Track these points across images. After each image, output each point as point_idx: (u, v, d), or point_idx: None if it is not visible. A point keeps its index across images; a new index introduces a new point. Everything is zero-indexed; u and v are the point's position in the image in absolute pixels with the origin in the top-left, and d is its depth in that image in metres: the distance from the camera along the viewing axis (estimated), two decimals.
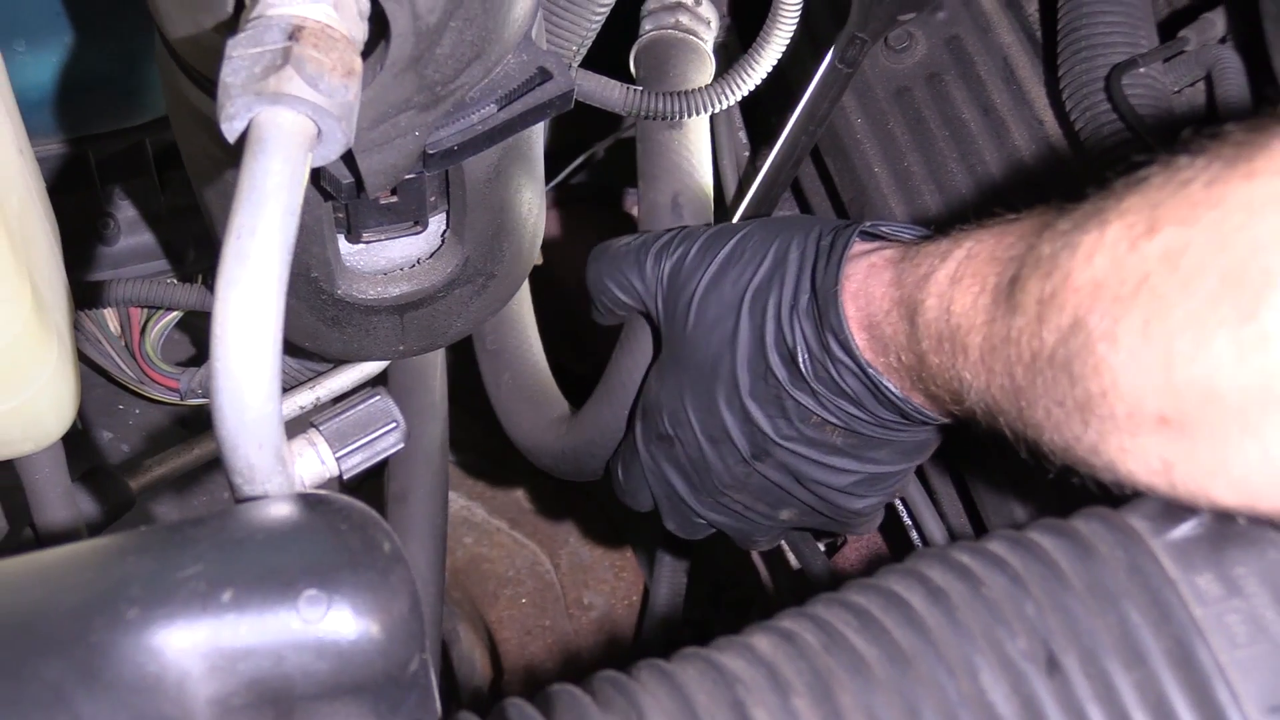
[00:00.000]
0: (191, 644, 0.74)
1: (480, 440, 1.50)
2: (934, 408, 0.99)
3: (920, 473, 1.29)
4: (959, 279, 0.92)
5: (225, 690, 0.74)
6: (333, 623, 0.75)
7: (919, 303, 0.95)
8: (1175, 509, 0.83)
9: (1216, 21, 1.24)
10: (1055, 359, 0.82)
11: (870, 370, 0.99)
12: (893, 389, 0.99)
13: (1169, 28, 1.28)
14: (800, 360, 1.02)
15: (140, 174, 1.34)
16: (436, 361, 1.39)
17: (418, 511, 1.40)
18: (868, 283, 1.00)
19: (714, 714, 0.77)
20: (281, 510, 0.80)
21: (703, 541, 1.52)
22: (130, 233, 1.39)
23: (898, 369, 0.98)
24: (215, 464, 1.40)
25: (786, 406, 1.06)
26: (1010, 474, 1.17)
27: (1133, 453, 0.80)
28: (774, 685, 0.79)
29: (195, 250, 1.41)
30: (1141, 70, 1.20)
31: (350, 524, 0.79)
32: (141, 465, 1.39)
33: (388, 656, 0.76)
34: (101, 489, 1.37)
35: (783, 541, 1.38)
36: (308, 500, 0.81)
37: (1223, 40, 1.23)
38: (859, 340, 0.99)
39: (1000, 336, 0.87)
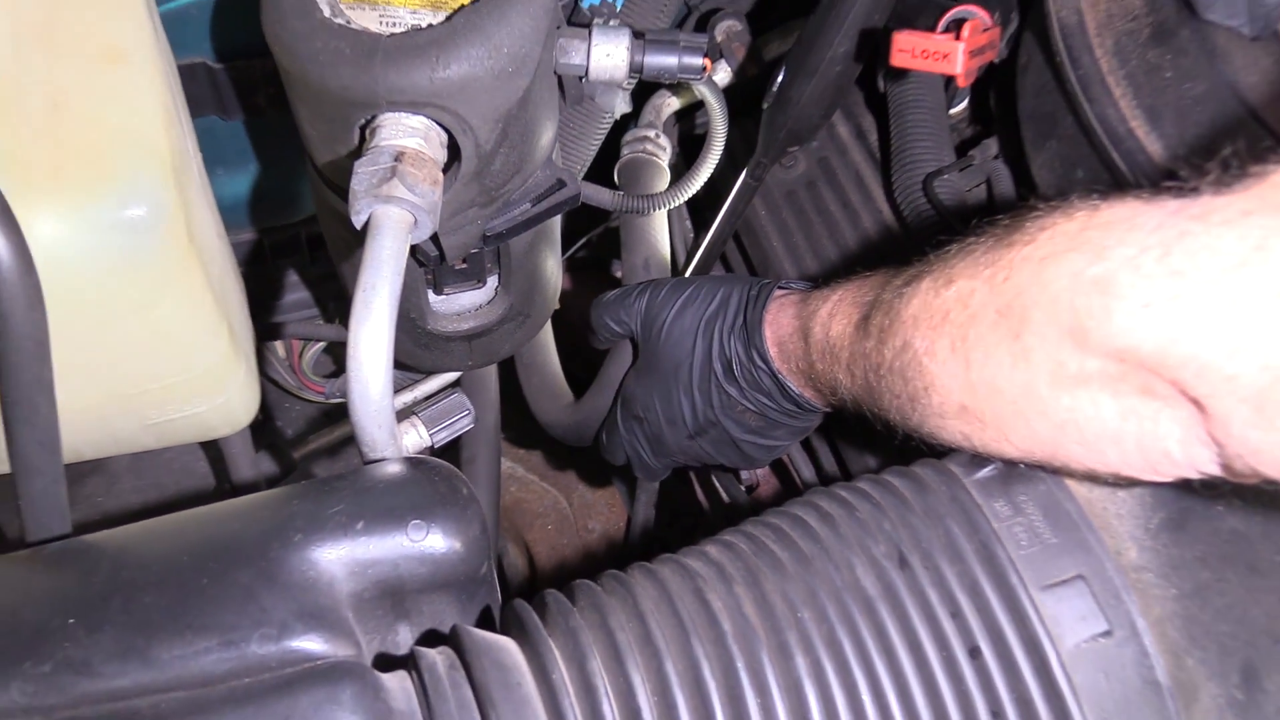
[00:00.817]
0: (337, 557, 0.72)
1: (520, 422, 1.49)
2: (819, 400, 0.97)
3: (807, 443, 1.27)
4: (834, 314, 0.90)
5: (359, 587, 0.73)
6: (430, 542, 0.73)
7: (810, 330, 0.93)
8: (981, 457, 0.81)
9: (992, 145, 1.22)
10: (893, 368, 0.80)
11: (778, 373, 0.98)
12: (791, 386, 0.98)
13: (962, 149, 1.26)
14: (734, 366, 1.01)
15: (297, 253, 1.32)
16: (492, 371, 1.37)
17: (481, 470, 1.38)
18: (778, 316, 0.98)
19: (681, 596, 0.75)
20: (395, 468, 0.78)
21: (664, 485, 1.51)
22: (291, 292, 1.37)
23: (796, 373, 0.96)
24: (348, 441, 1.38)
25: (722, 398, 1.04)
26: (868, 439, 1.15)
27: (944, 429, 0.79)
28: (721, 577, 0.77)
29: (334, 303, 1.39)
30: (945, 177, 1.18)
31: (440, 476, 0.77)
32: (300, 442, 1.37)
33: (467, 563, 0.74)
34: (274, 457, 1.35)
35: (719, 484, 1.36)
36: (412, 461, 0.79)
37: (997, 157, 1.21)
38: (772, 353, 0.98)
39: (859, 353, 0.85)
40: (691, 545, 0.84)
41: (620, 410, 1.15)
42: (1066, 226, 0.67)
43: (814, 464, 1.28)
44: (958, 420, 0.77)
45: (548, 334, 1.40)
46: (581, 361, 1.42)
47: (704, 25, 1.36)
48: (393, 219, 0.84)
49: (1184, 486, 0.73)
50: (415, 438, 0.89)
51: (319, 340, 1.40)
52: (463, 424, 0.90)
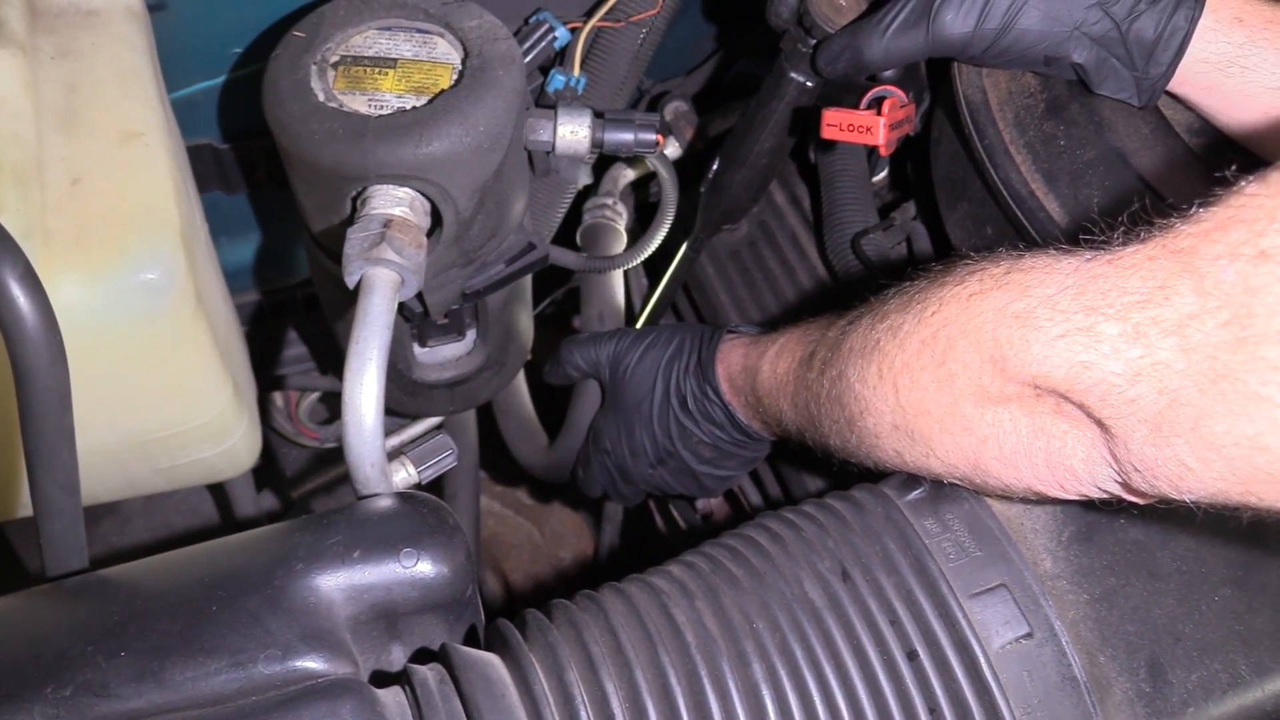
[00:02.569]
0: (335, 583, 0.70)
1: (495, 461, 1.47)
2: (766, 430, 0.97)
3: (755, 474, 1.26)
4: (780, 354, 0.90)
5: (356, 610, 0.71)
6: (420, 568, 0.71)
7: (759, 369, 0.92)
8: (913, 478, 0.80)
9: (910, 207, 1.22)
10: (831, 395, 0.80)
11: (729, 404, 0.97)
12: (740, 417, 0.97)
13: (884, 211, 1.27)
14: (689, 401, 1.00)
15: (294, 312, 1.31)
16: (471, 416, 1.35)
17: (462, 505, 1.37)
18: (729, 356, 0.98)
19: (649, 612, 0.74)
20: (386, 502, 0.77)
21: (628, 515, 1.49)
22: (289, 347, 1.35)
23: (745, 406, 0.96)
24: (342, 480, 1.35)
25: (679, 430, 1.03)
26: (809, 466, 1.15)
27: (878, 448, 0.78)
28: (684, 593, 0.75)
29: (328, 357, 1.37)
30: (870, 236, 1.18)
31: (428, 508, 0.76)
32: (298, 482, 1.35)
33: (454, 586, 0.73)
34: (274, 496, 1.32)
35: (677, 514, 1.35)
36: (402, 496, 0.78)
37: (915, 218, 1.21)
38: (723, 388, 0.97)
39: (803, 385, 0.85)
40: (655, 566, 0.82)
41: (591, 445, 1.14)
42: (993, 270, 0.67)
43: (761, 491, 1.27)
44: (890, 439, 0.76)
45: (521, 382, 1.39)
46: (550, 405, 1.41)
47: (654, 106, 1.37)
48: (382, 279, 0.83)
49: (1090, 503, 0.73)
50: (404, 475, 0.87)
51: (315, 390, 1.38)
52: (447, 462, 0.88)
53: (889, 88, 0.96)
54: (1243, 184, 0.57)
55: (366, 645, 0.73)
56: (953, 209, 1.06)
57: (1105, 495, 0.68)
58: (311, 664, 0.66)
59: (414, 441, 0.89)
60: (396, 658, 0.75)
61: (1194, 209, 0.58)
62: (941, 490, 0.80)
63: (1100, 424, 0.62)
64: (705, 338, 1.00)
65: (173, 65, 1.00)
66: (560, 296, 1.53)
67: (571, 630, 0.73)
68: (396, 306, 0.83)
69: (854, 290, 1.17)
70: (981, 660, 0.72)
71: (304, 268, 1.26)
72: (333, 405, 1.44)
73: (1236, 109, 0.85)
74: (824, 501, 0.83)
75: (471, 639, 0.76)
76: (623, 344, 1.07)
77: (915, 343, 0.71)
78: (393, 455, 0.87)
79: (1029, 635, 0.74)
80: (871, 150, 1.20)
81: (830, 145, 1.18)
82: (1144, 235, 0.61)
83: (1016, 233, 0.95)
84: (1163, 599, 0.78)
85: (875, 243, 1.18)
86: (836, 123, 0.94)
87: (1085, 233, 0.65)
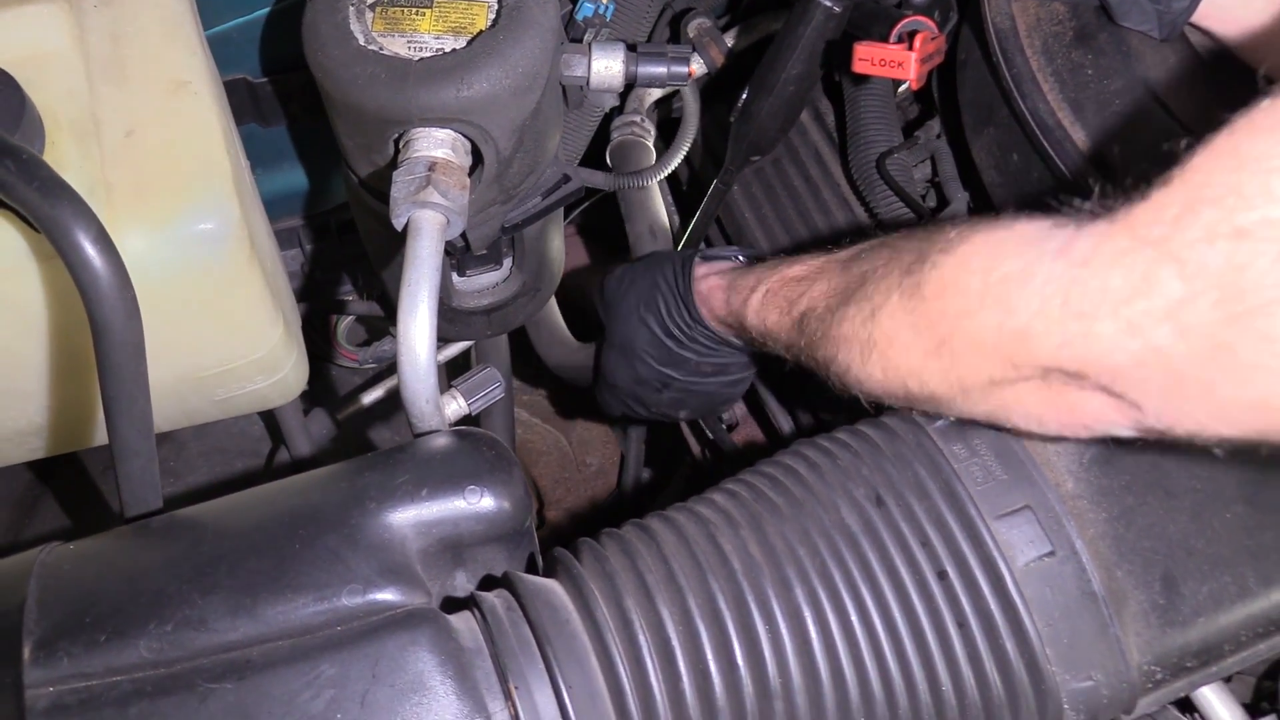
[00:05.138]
0: (406, 519, 0.75)
1: (521, 371, 1.51)
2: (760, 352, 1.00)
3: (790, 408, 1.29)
4: (766, 306, 0.92)
5: (426, 544, 0.76)
6: (484, 503, 0.77)
7: (743, 315, 0.95)
8: None
9: (935, 125, 1.24)
10: (830, 371, 0.82)
11: (720, 333, 1.01)
12: (734, 340, 1.01)
13: (907, 129, 1.28)
14: (679, 334, 1.04)
15: (328, 238, 1.34)
16: (503, 338, 1.39)
17: (498, 422, 1.42)
18: (709, 298, 1.01)
19: (697, 541, 0.79)
20: (447, 440, 0.81)
21: (652, 425, 1.53)
22: (323, 271, 1.39)
23: (737, 336, 1.00)
24: (382, 402, 1.38)
25: (677, 360, 1.07)
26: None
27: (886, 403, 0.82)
28: (729, 522, 0.81)
29: (363, 279, 1.40)
30: (895, 156, 1.20)
31: (487, 445, 0.80)
32: (343, 404, 1.40)
33: (514, 519, 0.78)
34: (317, 419, 1.37)
35: (703, 423, 1.39)
36: (459, 433, 0.82)
37: (939, 136, 1.23)
38: (710, 323, 1.01)
39: (795, 344, 0.88)
40: (698, 494, 0.87)
41: (601, 380, 1.18)
42: (969, 282, 0.69)
43: (786, 409, 1.32)
44: (899, 403, 0.80)
45: (553, 300, 1.42)
46: (578, 312, 1.45)
47: (677, 23, 1.38)
48: (429, 221, 0.86)
49: None
50: (455, 407, 0.92)
51: (349, 314, 1.42)
52: (495, 394, 0.92)
53: (920, 18, 0.97)
54: (1194, 158, 0.58)
55: (434, 574, 0.78)
56: (979, 134, 1.08)
57: (1118, 436, 0.72)
58: (389, 596, 0.72)
59: (466, 374, 0.94)
60: (460, 584, 0.81)
61: (1148, 190, 0.60)
62: None
63: (1116, 395, 0.65)
64: (678, 272, 1.03)
65: (206, 3, 1.01)
66: (589, 208, 1.56)
67: (626, 559, 0.79)
68: (443, 246, 0.87)
69: (878, 209, 1.20)
70: (1007, 578, 0.78)
71: (338, 194, 1.29)
72: (371, 327, 1.48)
73: (1260, 41, 0.87)
74: (857, 429, 0.87)
75: (530, 567, 0.82)
76: (609, 284, 1.10)
77: (919, 353, 0.73)
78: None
79: (1051, 553, 0.79)
80: None
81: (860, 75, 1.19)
82: (1105, 221, 0.62)
83: (1043, 161, 0.98)
84: (1177, 516, 0.82)
85: (899, 162, 1.20)
86: (868, 57, 0.96)
87: (1056, 200, 0.66)
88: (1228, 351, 0.57)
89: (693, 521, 0.81)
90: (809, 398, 1.25)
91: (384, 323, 1.43)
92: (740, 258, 1.05)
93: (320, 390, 1.47)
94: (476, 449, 0.79)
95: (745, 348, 1.03)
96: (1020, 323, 0.66)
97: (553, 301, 1.44)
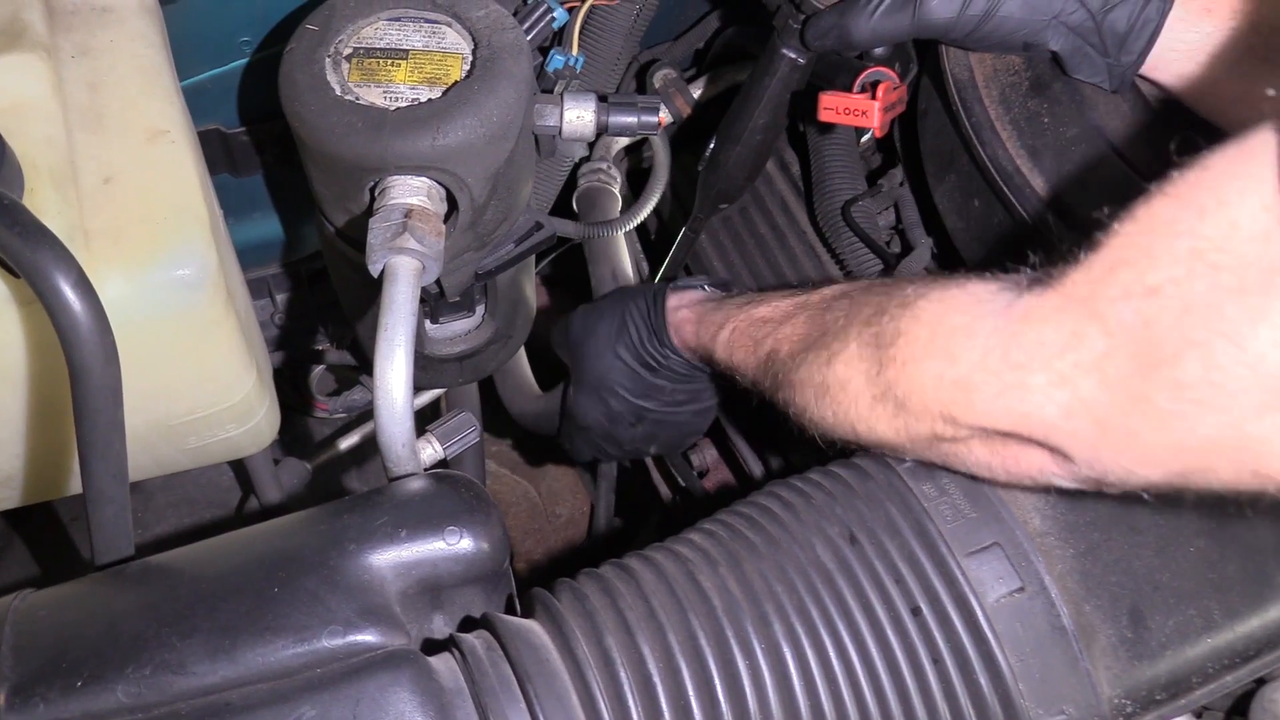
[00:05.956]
0: (385, 561, 0.76)
1: (489, 421, 1.51)
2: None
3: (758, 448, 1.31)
4: (732, 344, 0.96)
5: (405, 585, 0.77)
6: (463, 545, 0.77)
7: (712, 350, 0.99)
8: None
9: (897, 174, 1.27)
10: (791, 412, 0.86)
11: (693, 361, 1.04)
12: (705, 369, 1.04)
13: (870, 177, 1.31)
14: (653, 364, 1.06)
15: (298, 288, 1.35)
16: (473, 386, 1.40)
17: (470, 470, 1.42)
18: (680, 329, 1.04)
19: (677, 579, 0.80)
20: (424, 483, 0.82)
21: (622, 472, 1.54)
22: (294, 321, 1.39)
23: (709, 365, 1.03)
24: (355, 449, 1.38)
25: (651, 390, 1.09)
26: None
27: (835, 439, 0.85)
28: (707, 560, 0.82)
29: (334, 328, 1.41)
30: (860, 203, 1.22)
31: (465, 488, 0.81)
32: (314, 452, 1.39)
33: (493, 560, 0.79)
34: (288, 468, 1.37)
35: (674, 469, 1.39)
36: (438, 476, 0.83)
37: (902, 184, 1.26)
38: (684, 352, 1.04)
39: (760, 382, 0.91)
40: (675, 535, 0.88)
41: (571, 424, 1.19)
42: (918, 332, 0.74)
43: (756, 452, 1.33)
44: (854, 445, 0.83)
45: (522, 349, 1.43)
46: (543, 360, 1.46)
47: (643, 74, 1.41)
48: (406, 267, 0.87)
49: None
50: (431, 452, 0.92)
51: (321, 364, 1.42)
52: (470, 438, 0.93)
53: (882, 69, 1.01)
54: (1117, 225, 0.64)
55: (412, 616, 0.79)
56: (941, 180, 1.12)
57: (1064, 488, 0.76)
58: (369, 637, 0.72)
59: (441, 418, 0.95)
60: (439, 626, 0.81)
61: (1082, 255, 0.66)
62: None
63: (1050, 449, 0.70)
64: (650, 303, 1.06)
65: (182, 55, 1.03)
66: (557, 257, 1.57)
67: (606, 597, 0.79)
68: (419, 292, 0.88)
69: (843, 255, 1.23)
70: (979, 613, 0.79)
71: (309, 244, 1.30)
72: (341, 377, 1.48)
73: (1204, 93, 0.91)
74: (830, 470, 0.89)
75: (509, 609, 0.82)
76: (574, 324, 1.12)
77: (867, 399, 0.78)
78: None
79: (1021, 589, 0.81)
80: None
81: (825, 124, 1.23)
82: (1044, 283, 0.68)
83: (1003, 206, 1.01)
84: (1142, 551, 0.85)
85: (864, 209, 1.23)
86: (833, 106, 0.99)
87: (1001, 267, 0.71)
88: (1145, 400, 0.62)
89: (672, 560, 0.82)
90: (779, 441, 1.27)
91: (354, 372, 1.43)
92: (706, 287, 1.08)
93: (290, 441, 1.47)
94: (455, 491, 0.80)
95: (706, 373, 1.05)
96: (961, 373, 0.70)
97: (522, 353, 1.46)
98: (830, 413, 0.81)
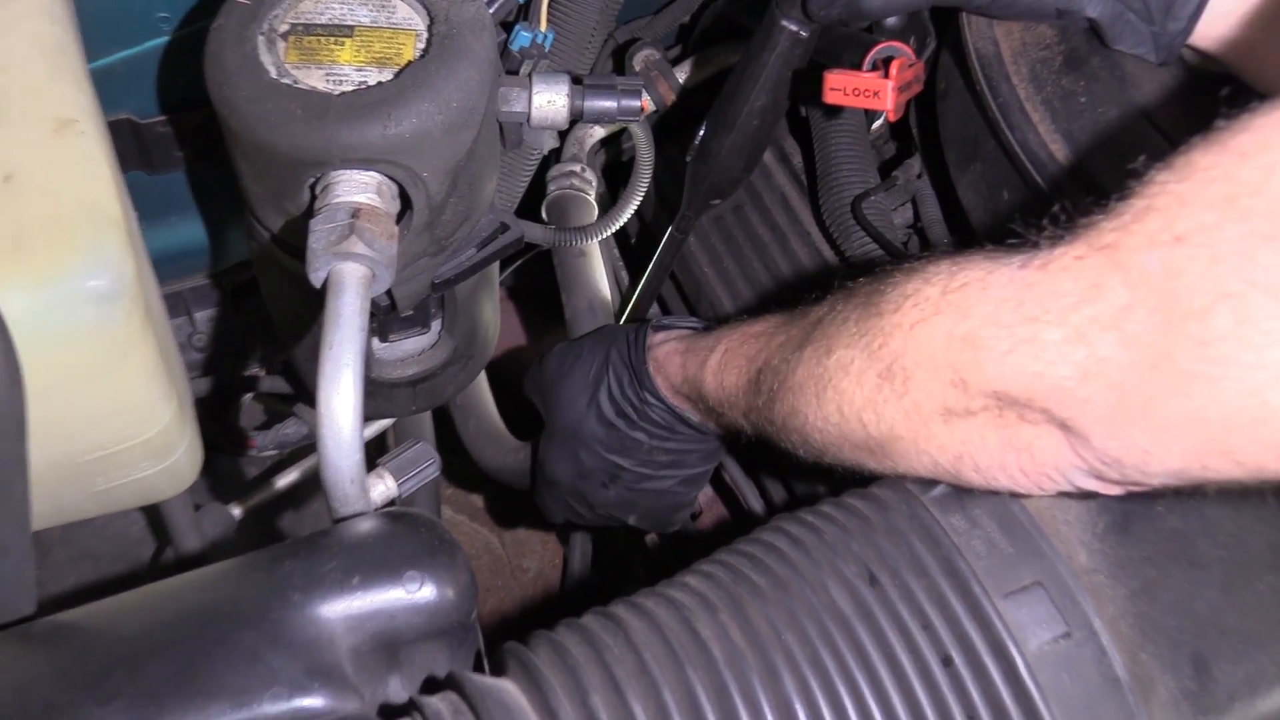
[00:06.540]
0: (335, 613, 0.76)
1: (449, 464, 1.52)
2: (722, 429, 1.05)
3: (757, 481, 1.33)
4: (724, 366, 0.98)
5: (358, 641, 0.77)
6: (424, 592, 0.78)
7: (701, 380, 1.01)
8: None
9: (914, 164, 1.29)
10: (789, 427, 0.88)
11: (676, 409, 1.06)
12: (691, 417, 1.06)
13: (884, 168, 1.33)
14: (630, 413, 1.08)
15: (224, 304, 1.35)
16: (428, 415, 1.41)
17: (424, 506, 1.42)
18: (666, 367, 1.06)
19: (670, 627, 0.81)
20: (376, 523, 0.82)
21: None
22: (216, 343, 1.40)
23: (694, 409, 1.05)
24: (289, 492, 1.39)
25: (627, 446, 1.10)
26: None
27: (851, 464, 0.87)
28: (705, 606, 0.83)
29: (264, 350, 1.42)
30: (872, 198, 1.24)
31: (424, 526, 0.82)
32: (242, 495, 1.39)
33: (459, 610, 0.79)
34: (209, 515, 1.37)
35: None
36: (393, 514, 0.84)
37: (920, 175, 1.28)
38: (666, 395, 1.05)
39: (754, 407, 0.93)
40: (667, 579, 0.89)
41: (540, 476, 1.21)
42: (928, 292, 0.76)
43: (756, 485, 1.34)
44: (862, 458, 0.85)
45: (481, 376, 1.45)
46: (511, 398, 1.48)
47: (621, 55, 1.44)
48: (353, 274, 0.88)
49: None
50: (383, 489, 0.93)
51: (249, 393, 1.43)
52: (430, 471, 0.93)
53: (895, 44, 1.03)
54: (1152, 173, 0.66)
55: (365, 677, 0.79)
56: (964, 171, 1.14)
57: (1081, 489, 0.77)
58: (318, 701, 0.73)
59: (394, 450, 0.95)
60: (395, 690, 0.82)
61: (1112, 203, 0.68)
62: None
63: (1063, 425, 0.71)
64: (632, 343, 1.08)
65: (90, 33, 1.04)
66: (522, 266, 1.59)
67: (590, 650, 0.80)
68: (369, 304, 0.89)
69: (855, 257, 1.25)
70: (1019, 663, 0.81)
71: (236, 252, 1.31)
72: (270, 408, 1.49)
73: (1259, 62, 0.94)
74: (843, 501, 0.90)
75: (476, 667, 0.83)
76: (547, 368, 1.14)
77: (872, 378, 0.80)
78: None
79: (1067, 635, 0.82)
80: None
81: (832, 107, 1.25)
82: (1068, 235, 0.70)
83: (1036, 198, 1.04)
84: (1205, 589, 0.86)
85: (877, 205, 1.25)
86: (841, 86, 1.01)
87: (1011, 235, 0.74)
88: (1167, 359, 0.64)
89: (664, 606, 0.83)
90: (782, 473, 1.29)
91: (288, 403, 1.44)
92: (700, 327, 1.10)
93: (211, 483, 1.47)
94: (414, 531, 0.81)
95: (703, 429, 1.06)
96: (970, 328, 0.72)
97: (485, 386, 1.47)
98: (834, 408, 0.82)
